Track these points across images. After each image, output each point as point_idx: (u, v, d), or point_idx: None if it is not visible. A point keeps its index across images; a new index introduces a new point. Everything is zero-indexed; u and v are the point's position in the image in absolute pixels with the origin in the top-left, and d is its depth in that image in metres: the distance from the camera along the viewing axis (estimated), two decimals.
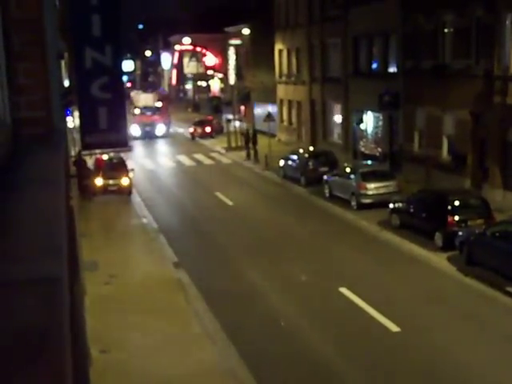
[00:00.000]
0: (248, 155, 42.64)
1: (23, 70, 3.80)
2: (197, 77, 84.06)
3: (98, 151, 17.34)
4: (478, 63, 26.85)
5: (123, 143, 13.57)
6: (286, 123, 51.19)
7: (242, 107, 59.14)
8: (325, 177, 30.89)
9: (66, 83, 24.26)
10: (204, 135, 55.61)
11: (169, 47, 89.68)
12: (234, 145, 47.92)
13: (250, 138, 42.54)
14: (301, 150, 35.86)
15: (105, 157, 33.23)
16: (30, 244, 1.75)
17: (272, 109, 49.19)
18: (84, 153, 16.81)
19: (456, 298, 18.07)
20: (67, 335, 1.29)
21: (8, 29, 3.65)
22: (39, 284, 1.45)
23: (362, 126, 38.22)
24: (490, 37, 25.73)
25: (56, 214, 2.12)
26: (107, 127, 12.88)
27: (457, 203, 22.15)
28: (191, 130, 56.73)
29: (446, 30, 29.30)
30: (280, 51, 51.33)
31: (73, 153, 29.71)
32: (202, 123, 57.35)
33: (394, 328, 16.04)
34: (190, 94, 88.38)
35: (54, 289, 1.43)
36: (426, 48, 30.54)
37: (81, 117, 13.16)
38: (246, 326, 16.69)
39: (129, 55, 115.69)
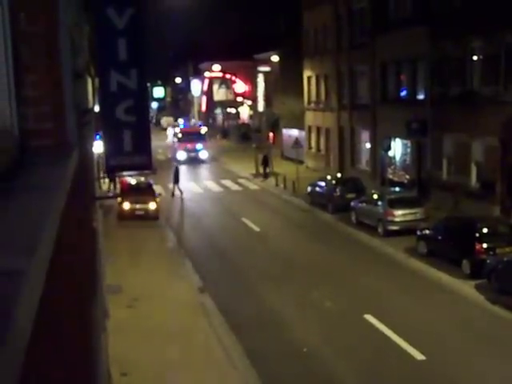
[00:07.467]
0: (264, 176, 46.60)
1: (31, 82, 3.80)
2: (226, 103, 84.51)
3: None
4: (507, 89, 26.62)
5: (147, 166, 13.63)
6: (314, 150, 51.16)
7: (271, 134, 59.26)
8: (352, 203, 30.71)
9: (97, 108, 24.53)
10: None
11: (199, 74, 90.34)
12: (261, 171, 48.04)
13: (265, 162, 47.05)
14: (328, 177, 35.75)
15: (132, 181, 33.40)
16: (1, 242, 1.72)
17: (300, 135, 49.23)
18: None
19: (483, 326, 17.73)
20: (13, 325, 1.26)
21: (17, 41, 3.65)
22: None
23: (390, 153, 38.00)
24: None
25: (42, 220, 2.08)
26: (132, 150, 12.90)
27: (485, 230, 21.82)
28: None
29: (474, 57, 29.13)
30: (309, 78, 51.47)
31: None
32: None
33: (419, 356, 15.78)
34: (219, 120, 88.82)
35: (11, 281, 1.40)
36: (455, 75, 30.36)
37: (105, 139, 13.23)
38: (268, 351, 16.52)
39: (159, 82, 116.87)
